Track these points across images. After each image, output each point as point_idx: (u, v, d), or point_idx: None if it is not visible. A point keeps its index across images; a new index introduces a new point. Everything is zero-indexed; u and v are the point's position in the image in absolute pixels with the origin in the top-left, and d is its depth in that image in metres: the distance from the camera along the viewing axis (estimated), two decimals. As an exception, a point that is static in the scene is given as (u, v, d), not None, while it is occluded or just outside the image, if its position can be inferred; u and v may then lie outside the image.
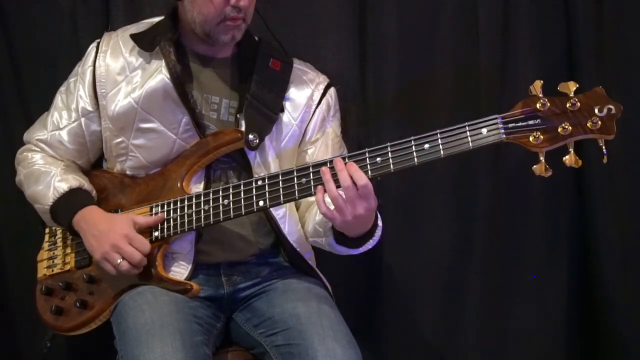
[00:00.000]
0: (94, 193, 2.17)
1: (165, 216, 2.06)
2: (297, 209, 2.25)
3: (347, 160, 1.86)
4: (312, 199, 2.02)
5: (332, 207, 1.86)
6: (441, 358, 2.67)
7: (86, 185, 2.16)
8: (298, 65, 2.26)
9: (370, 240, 2.01)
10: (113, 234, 2.01)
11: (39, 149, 2.24)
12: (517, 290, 2.66)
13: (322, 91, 2.23)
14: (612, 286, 2.57)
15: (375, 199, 1.85)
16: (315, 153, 2.21)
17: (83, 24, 2.53)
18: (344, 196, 1.82)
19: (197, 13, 2.07)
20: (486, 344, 2.65)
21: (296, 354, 1.91)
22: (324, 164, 1.89)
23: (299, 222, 2.24)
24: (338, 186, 1.84)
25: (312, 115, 2.21)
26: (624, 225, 2.57)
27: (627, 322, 2.57)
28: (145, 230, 2.06)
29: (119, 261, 1.99)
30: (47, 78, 2.48)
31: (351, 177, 1.81)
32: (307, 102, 2.21)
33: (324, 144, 2.22)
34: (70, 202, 2.11)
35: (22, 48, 2.58)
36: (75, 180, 2.14)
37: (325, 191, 1.85)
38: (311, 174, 1.90)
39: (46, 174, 2.16)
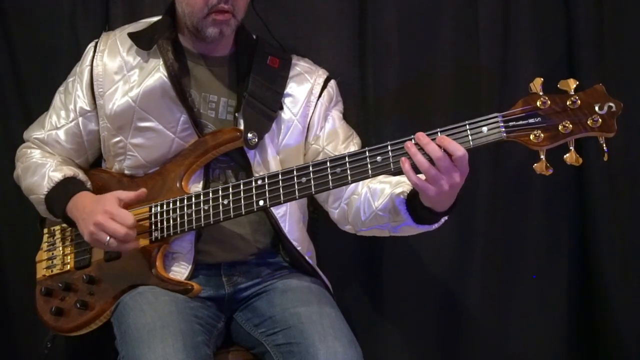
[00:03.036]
0: (89, 184, 2.17)
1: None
2: (326, 202, 2.20)
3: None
4: (350, 187, 2.05)
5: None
6: (441, 357, 2.67)
7: (81, 175, 2.17)
8: (296, 61, 2.27)
9: (451, 213, 1.94)
10: (95, 213, 1.99)
11: (36, 147, 2.25)
12: (517, 290, 2.65)
13: (322, 84, 2.23)
14: (612, 286, 2.56)
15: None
16: (325, 141, 2.20)
17: (83, 24, 2.54)
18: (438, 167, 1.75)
19: (185, 4, 2.08)
20: (486, 343, 2.65)
21: (297, 353, 1.91)
22: (324, 162, 1.88)
23: (300, 220, 2.24)
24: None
25: (314, 108, 2.21)
26: (624, 225, 2.57)
27: (627, 322, 2.56)
28: (143, 227, 2.06)
29: (107, 239, 1.97)
30: (47, 78, 2.49)
31: (442, 149, 1.74)
32: (307, 96, 2.20)
33: (332, 131, 2.21)
34: (64, 191, 2.12)
35: (22, 48, 2.59)
36: (70, 170, 2.15)
37: (411, 163, 1.77)
38: (311, 173, 1.90)
39: (42, 166, 2.17)
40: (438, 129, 1.78)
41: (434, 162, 1.75)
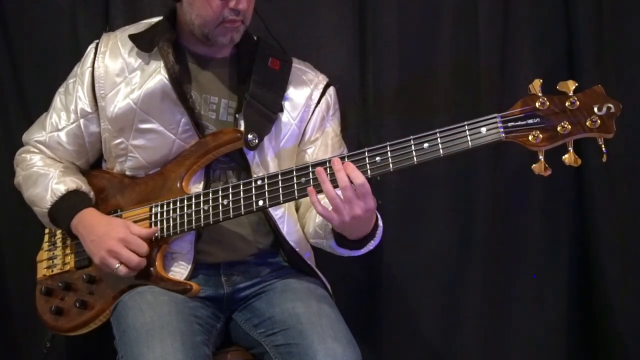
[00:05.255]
0: (91, 194, 2.17)
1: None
2: (297, 210, 2.25)
3: (345, 159, 1.86)
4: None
5: (329, 207, 1.86)
6: (441, 358, 2.67)
7: (84, 187, 2.16)
8: (297, 64, 2.26)
9: (372, 242, 2.01)
10: (109, 239, 2.01)
11: (37, 151, 2.24)
12: (517, 290, 2.66)
13: (321, 90, 2.23)
14: (612, 286, 2.57)
15: (374, 199, 1.84)
16: (315, 152, 2.21)
17: (83, 24, 2.54)
18: (341, 196, 1.82)
19: (195, 15, 2.07)
20: (486, 344, 2.65)
21: (296, 354, 1.91)
22: (323, 163, 1.89)
23: (298, 222, 2.24)
24: (335, 186, 1.83)
25: (312, 114, 2.21)
26: (624, 225, 2.57)
27: (627, 322, 2.57)
28: (144, 223, 2.06)
29: (117, 265, 2.00)
30: (47, 78, 2.49)
31: (348, 177, 1.80)
32: (306, 101, 2.21)
33: (324, 144, 2.22)
34: (68, 205, 2.12)
35: (22, 48, 2.59)
36: (72, 182, 2.14)
37: (319, 191, 1.84)
38: (310, 173, 1.90)
39: (44, 177, 2.16)
40: (437, 130, 1.79)
41: (341, 191, 1.80)
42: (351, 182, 1.80)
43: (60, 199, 2.12)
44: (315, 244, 2.19)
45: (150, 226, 2.07)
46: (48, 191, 2.13)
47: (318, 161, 1.91)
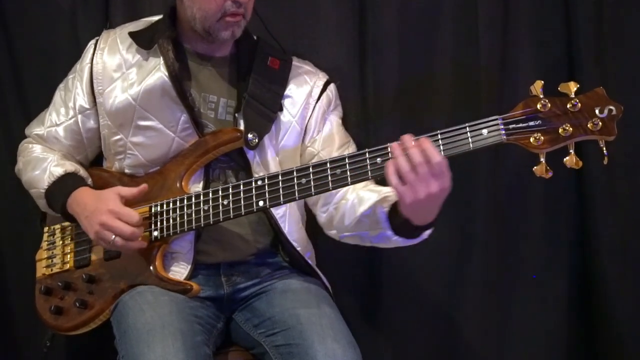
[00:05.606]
0: (89, 180, 2.18)
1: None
2: (315, 205, 2.19)
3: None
4: (341, 191, 2.04)
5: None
6: (441, 358, 2.67)
7: (82, 172, 2.17)
8: (297, 63, 2.27)
9: (428, 230, 1.93)
10: (100, 213, 2.00)
11: (37, 143, 2.26)
12: (517, 290, 2.65)
13: (321, 87, 2.23)
14: (612, 286, 2.56)
15: (450, 179, 1.76)
16: (321, 145, 2.19)
17: (83, 23, 2.55)
18: (416, 173, 1.72)
19: (197, 9, 2.07)
20: (486, 344, 2.65)
21: (296, 354, 1.91)
22: (324, 164, 1.88)
23: (300, 220, 2.24)
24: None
25: (312, 111, 2.20)
26: (624, 226, 2.56)
27: (627, 322, 2.56)
28: (144, 223, 2.05)
29: (112, 238, 1.98)
30: (47, 77, 2.49)
31: (423, 154, 1.72)
32: (306, 99, 2.20)
33: (329, 136, 2.21)
34: (65, 186, 2.12)
35: (22, 47, 2.60)
36: (71, 165, 2.16)
37: (395, 166, 1.74)
38: (311, 174, 1.89)
39: (43, 160, 2.18)
40: (438, 131, 1.78)
41: (414, 168, 1.72)
42: (426, 159, 1.72)
43: (58, 179, 2.13)
44: (349, 236, 2.11)
45: (150, 226, 2.06)
46: (46, 173, 2.14)
47: (319, 162, 1.90)
